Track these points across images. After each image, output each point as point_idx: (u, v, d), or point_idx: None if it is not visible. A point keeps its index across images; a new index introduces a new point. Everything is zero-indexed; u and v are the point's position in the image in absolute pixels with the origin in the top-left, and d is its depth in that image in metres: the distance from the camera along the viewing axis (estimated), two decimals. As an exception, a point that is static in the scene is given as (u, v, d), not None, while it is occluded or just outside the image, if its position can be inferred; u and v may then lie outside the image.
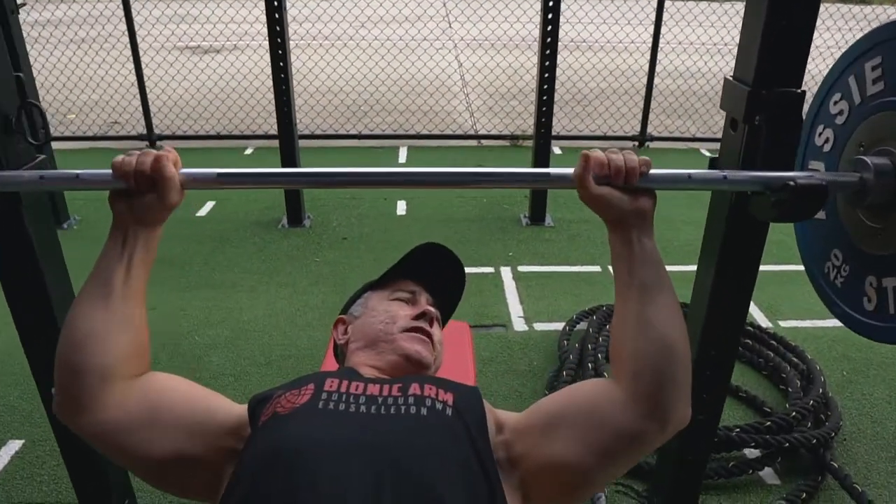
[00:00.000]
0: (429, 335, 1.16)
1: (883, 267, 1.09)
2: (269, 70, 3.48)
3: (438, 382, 1.02)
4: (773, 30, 1.09)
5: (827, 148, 1.22)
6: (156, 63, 6.31)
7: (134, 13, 5.03)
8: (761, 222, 1.22)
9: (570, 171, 1.00)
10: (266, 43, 3.44)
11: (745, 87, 1.13)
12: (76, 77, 5.60)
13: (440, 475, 0.87)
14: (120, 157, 0.98)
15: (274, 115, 3.63)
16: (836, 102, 1.19)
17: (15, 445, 2.11)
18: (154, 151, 0.98)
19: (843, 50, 1.16)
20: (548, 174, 1.06)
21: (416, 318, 1.17)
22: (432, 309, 1.19)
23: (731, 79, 1.19)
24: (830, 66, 1.20)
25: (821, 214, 1.22)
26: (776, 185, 1.05)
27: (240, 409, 1.02)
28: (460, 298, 1.32)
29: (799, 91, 1.11)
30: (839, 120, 1.17)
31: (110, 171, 0.98)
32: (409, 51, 6.10)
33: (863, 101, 1.12)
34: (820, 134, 1.24)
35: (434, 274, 1.29)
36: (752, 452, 2.06)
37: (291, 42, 3.64)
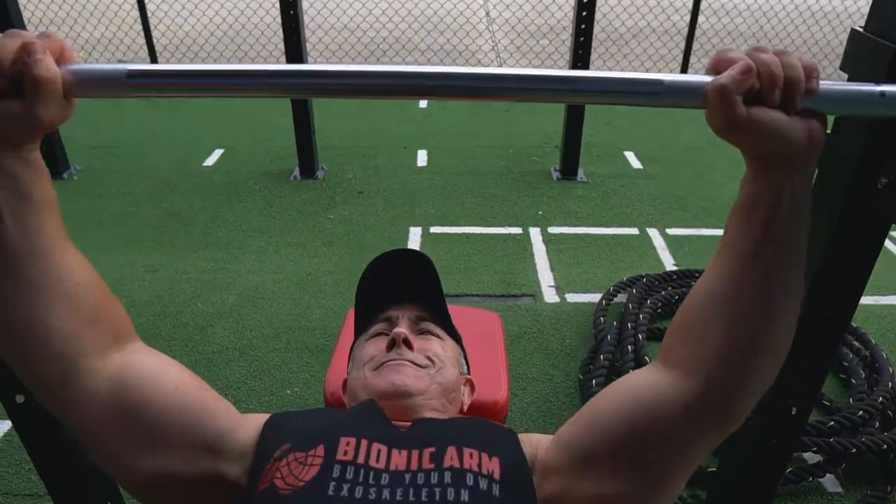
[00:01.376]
0: (407, 358, 0.97)
1: None
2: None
3: (480, 442, 0.79)
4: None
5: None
6: (162, -4, 5.96)
7: None
8: (885, 221, 0.95)
9: (700, 79, 0.63)
10: None
11: (890, 45, 0.84)
12: (76, 11, 5.28)
13: None
14: None
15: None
16: None
17: (5, 426, 1.95)
18: (23, 34, 0.62)
19: None
20: (661, 82, 0.66)
21: (388, 348, 0.99)
22: (401, 330, 1.00)
23: (862, 31, 0.90)
24: None
25: None
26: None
27: (251, 433, 0.81)
28: (440, 282, 1.09)
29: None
30: None
31: None
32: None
33: None
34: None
35: (403, 281, 1.08)
36: (812, 457, 1.84)
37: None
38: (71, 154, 3.61)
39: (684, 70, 4.99)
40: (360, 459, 0.75)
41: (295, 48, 3.24)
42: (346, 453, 0.75)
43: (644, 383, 0.75)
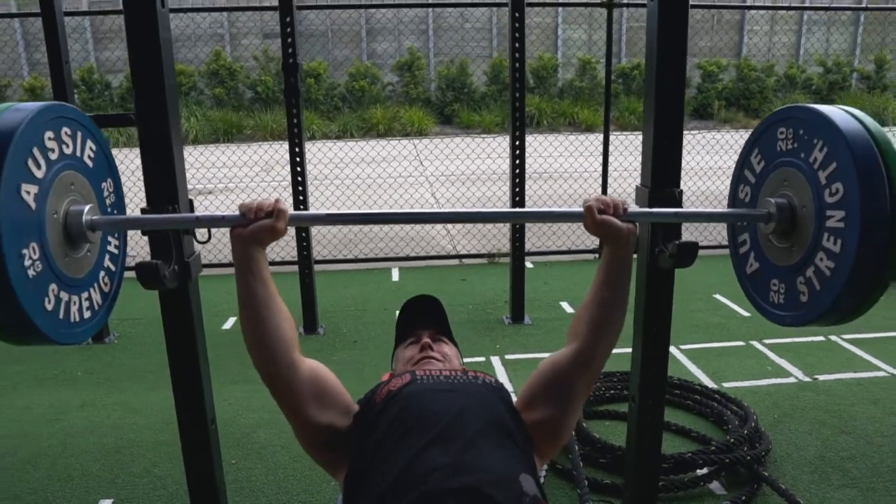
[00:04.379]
0: (430, 356, 1.65)
1: (801, 267, 1.48)
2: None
3: (483, 372, 1.59)
4: (657, 155, 1.83)
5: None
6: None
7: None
8: (668, 270, 1.90)
9: (578, 208, 1.48)
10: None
11: (644, 188, 1.86)
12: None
13: (496, 409, 1.42)
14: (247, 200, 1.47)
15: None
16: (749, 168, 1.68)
17: (107, 502, 2.55)
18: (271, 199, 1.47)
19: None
20: (557, 212, 1.61)
21: (420, 351, 1.67)
22: (427, 339, 1.69)
23: (639, 185, 1.92)
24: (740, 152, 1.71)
25: (755, 264, 1.64)
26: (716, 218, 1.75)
27: (354, 406, 1.51)
28: (445, 314, 1.82)
29: (678, 190, 1.83)
30: (748, 187, 1.67)
31: (239, 213, 1.45)
32: (392, 189, 6.99)
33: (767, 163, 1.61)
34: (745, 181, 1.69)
35: (423, 313, 1.81)
36: (702, 472, 2.61)
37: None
38: (111, 324, 4.38)
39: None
40: (428, 374, 1.53)
41: (303, 232, 4.26)
42: (421, 373, 1.53)
43: (557, 354, 1.52)
